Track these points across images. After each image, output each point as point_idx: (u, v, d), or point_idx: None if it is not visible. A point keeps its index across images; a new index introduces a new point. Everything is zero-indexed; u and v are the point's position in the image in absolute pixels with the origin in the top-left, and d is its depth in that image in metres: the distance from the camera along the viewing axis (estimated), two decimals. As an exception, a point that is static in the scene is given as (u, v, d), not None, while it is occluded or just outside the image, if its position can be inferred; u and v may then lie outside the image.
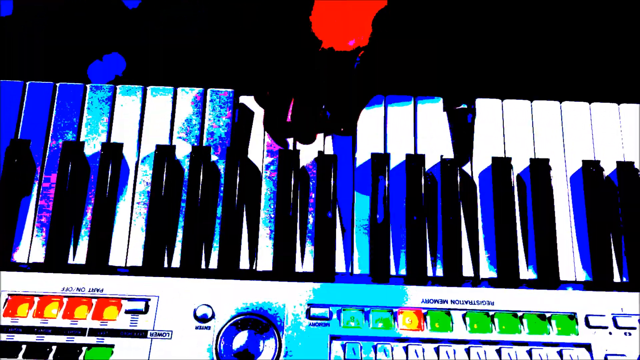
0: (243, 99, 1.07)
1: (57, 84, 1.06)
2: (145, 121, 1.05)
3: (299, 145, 1.05)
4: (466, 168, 1.04)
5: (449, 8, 1.19)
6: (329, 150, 1.05)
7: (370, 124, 1.06)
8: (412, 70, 1.13)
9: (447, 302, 0.94)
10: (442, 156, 1.03)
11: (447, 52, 1.16)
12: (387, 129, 1.06)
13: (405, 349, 0.90)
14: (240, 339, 0.90)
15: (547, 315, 0.93)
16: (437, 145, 1.05)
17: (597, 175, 1.02)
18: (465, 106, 1.07)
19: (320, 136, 1.05)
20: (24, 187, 1.00)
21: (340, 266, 0.98)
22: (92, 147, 1.03)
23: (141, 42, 1.20)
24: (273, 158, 1.03)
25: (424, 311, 0.93)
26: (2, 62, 1.15)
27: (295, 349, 0.90)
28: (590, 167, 1.03)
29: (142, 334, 0.91)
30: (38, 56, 1.20)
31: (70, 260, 0.97)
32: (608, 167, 1.04)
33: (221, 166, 1.02)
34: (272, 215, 1.00)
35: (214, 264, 0.97)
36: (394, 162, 1.03)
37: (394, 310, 0.93)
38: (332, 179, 1.02)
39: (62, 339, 0.90)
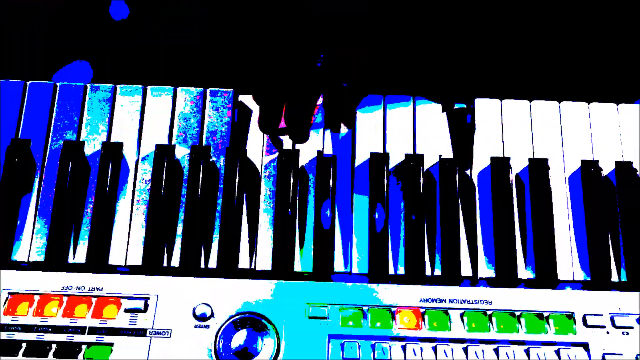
0: (242, 99, 1.07)
1: (58, 84, 1.07)
2: (145, 121, 1.06)
3: (298, 145, 1.05)
4: (465, 168, 1.04)
5: (449, 8, 1.19)
6: (329, 149, 1.05)
7: (370, 123, 1.07)
8: (411, 70, 1.14)
9: (445, 302, 0.94)
10: (441, 156, 1.04)
11: (446, 52, 1.17)
12: (386, 129, 1.06)
13: (404, 348, 0.91)
14: (239, 338, 0.91)
15: (545, 314, 0.94)
16: (436, 145, 1.06)
17: (596, 175, 1.03)
18: (464, 106, 1.08)
19: (319, 136, 1.06)
20: (24, 186, 1.01)
21: (339, 265, 0.98)
22: (92, 146, 1.04)
23: (141, 42, 1.21)
24: (272, 157, 1.04)
25: (422, 310, 0.94)
26: (3, 62, 1.16)
27: (293, 348, 0.91)
28: (589, 167, 1.03)
29: (141, 332, 0.91)
30: (38, 56, 1.20)
31: (70, 259, 0.98)
32: (607, 167, 1.04)
33: (221, 166, 1.03)
34: (272, 215, 1.01)
35: (213, 263, 0.98)
36: (393, 161, 1.04)
37: (392, 309, 0.94)
38: (331, 178, 1.02)
39: (62, 337, 0.91)
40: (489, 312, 0.94)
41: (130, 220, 1.00)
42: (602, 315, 0.94)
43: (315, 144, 1.05)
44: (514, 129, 1.06)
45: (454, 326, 0.93)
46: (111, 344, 0.91)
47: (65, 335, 0.91)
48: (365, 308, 0.94)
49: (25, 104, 1.05)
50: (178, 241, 0.99)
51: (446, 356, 0.91)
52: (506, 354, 0.91)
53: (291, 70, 1.09)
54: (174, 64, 1.18)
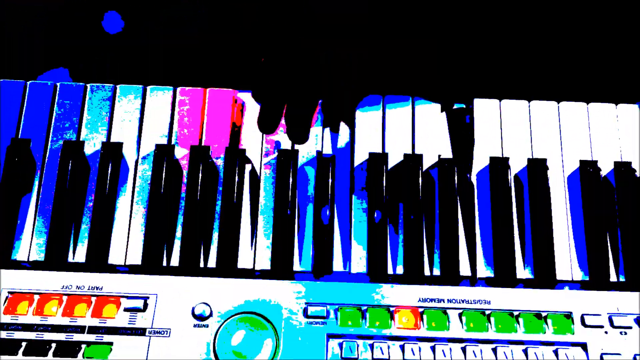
0: (242, 99, 1.08)
1: (58, 84, 1.07)
2: (145, 121, 1.06)
3: (297, 145, 1.06)
4: (464, 168, 1.04)
5: (448, 8, 1.19)
6: (328, 149, 1.06)
7: (369, 124, 1.07)
8: (411, 71, 1.14)
9: (443, 301, 0.95)
10: (440, 156, 1.04)
11: (445, 53, 1.17)
12: (386, 129, 1.07)
13: (402, 347, 0.92)
14: (238, 337, 0.91)
15: (543, 314, 0.94)
16: (435, 145, 1.06)
17: (595, 175, 1.03)
18: (464, 106, 1.08)
19: (319, 136, 1.06)
20: (24, 185, 1.01)
21: (338, 265, 0.99)
22: (92, 146, 1.04)
23: (141, 42, 1.21)
24: (272, 157, 1.05)
25: (420, 310, 0.94)
26: (3, 62, 1.16)
27: (292, 347, 0.91)
28: (588, 167, 1.03)
29: (140, 331, 0.92)
30: (38, 56, 1.20)
31: (70, 259, 0.98)
32: (605, 167, 1.04)
33: (220, 165, 1.04)
34: (271, 215, 1.01)
35: (212, 262, 0.98)
36: (392, 161, 1.04)
37: (391, 309, 0.94)
38: (330, 178, 1.03)
39: (61, 336, 0.92)
40: (487, 312, 0.94)
41: (130, 219, 1.01)
42: (600, 315, 0.94)
43: (315, 144, 1.06)
44: (512, 129, 1.07)
45: (453, 326, 0.93)
46: (111, 343, 0.91)
47: (65, 334, 0.92)
48: (364, 308, 0.94)
49: (25, 103, 1.06)
50: (177, 241, 0.99)
51: (444, 356, 0.91)
52: (504, 353, 0.91)
53: (291, 70, 1.09)
54: (174, 64, 1.19)
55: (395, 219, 1.01)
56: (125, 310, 0.93)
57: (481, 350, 0.92)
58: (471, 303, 0.95)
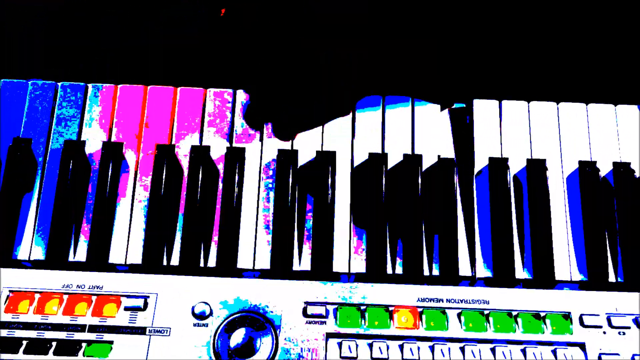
0: (242, 99, 1.08)
1: (59, 84, 1.08)
2: (146, 120, 1.07)
3: (297, 145, 1.06)
4: (463, 168, 1.05)
5: (447, 8, 1.20)
6: (328, 149, 1.06)
7: (368, 124, 1.08)
8: (410, 71, 1.15)
9: (442, 301, 0.96)
10: (439, 156, 1.05)
11: (445, 53, 1.17)
12: (385, 129, 1.08)
13: (401, 347, 0.93)
14: (237, 337, 0.92)
15: (542, 314, 0.95)
16: (434, 146, 1.07)
17: (593, 175, 1.04)
18: (463, 106, 1.09)
19: (319, 136, 1.07)
20: (25, 185, 1.02)
21: (337, 265, 1.00)
22: (93, 145, 1.05)
23: (141, 42, 1.22)
24: (272, 157, 1.06)
25: (419, 310, 0.95)
26: (3, 62, 1.17)
27: (291, 347, 0.92)
28: (587, 168, 1.04)
29: (140, 330, 0.93)
30: (38, 56, 1.21)
31: (70, 258, 0.99)
32: (604, 168, 1.05)
33: (220, 165, 1.05)
34: (271, 214, 1.02)
35: (212, 262, 0.99)
36: (392, 162, 1.05)
37: (390, 308, 0.95)
38: (330, 178, 1.03)
39: (62, 335, 0.93)
40: (486, 312, 0.95)
41: (131, 219, 1.02)
42: (598, 315, 0.95)
43: (315, 144, 1.07)
44: (512, 130, 1.07)
45: (451, 326, 0.94)
46: (111, 342, 0.92)
47: (66, 333, 0.93)
48: (363, 307, 0.95)
49: (27, 103, 1.07)
50: (178, 240, 1.00)
51: (443, 355, 0.92)
52: (503, 353, 0.92)
53: (291, 70, 1.10)
54: (174, 64, 1.19)
55: (395, 219, 1.02)
56: (126, 309, 0.94)
57: (480, 350, 0.93)
58: (470, 303, 0.96)
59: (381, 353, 0.92)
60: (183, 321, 0.94)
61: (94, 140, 1.06)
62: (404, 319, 0.95)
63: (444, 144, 1.07)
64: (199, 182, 1.02)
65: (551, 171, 1.05)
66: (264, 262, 1.00)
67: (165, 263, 0.99)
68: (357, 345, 0.93)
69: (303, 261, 1.00)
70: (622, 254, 1.01)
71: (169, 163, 1.03)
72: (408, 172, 1.04)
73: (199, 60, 1.21)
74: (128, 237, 1.01)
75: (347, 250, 1.01)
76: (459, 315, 0.95)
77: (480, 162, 1.06)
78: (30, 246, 1.00)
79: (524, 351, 0.93)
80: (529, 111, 1.09)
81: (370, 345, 0.93)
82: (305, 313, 0.95)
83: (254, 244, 1.01)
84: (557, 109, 1.09)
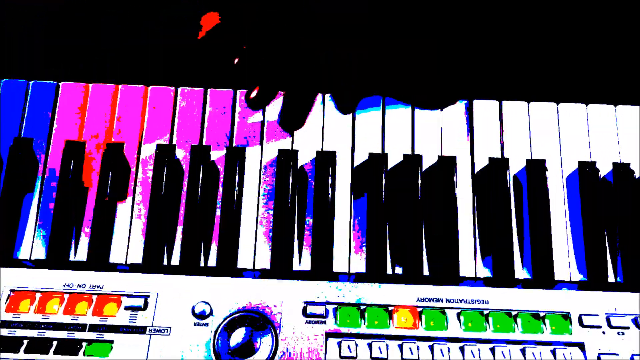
0: (242, 99, 1.09)
1: (60, 83, 1.09)
2: (146, 120, 1.08)
3: (297, 145, 1.07)
4: (463, 168, 1.06)
5: (447, 9, 1.20)
6: (328, 149, 1.07)
7: (368, 124, 1.09)
8: (410, 71, 1.16)
9: (442, 301, 0.97)
10: (439, 156, 1.06)
11: (445, 53, 1.17)
12: (385, 130, 1.09)
13: (400, 346, 0.93)
14: (237, 336, 0.93)
15: (541, 314, 0.96)
16: (434, 146, 1.08)
17: (593, 176, 1.05)
18: (463, 107, 1.10)
19: (318, 136, 1.08)
20: (26, 185, 1.03)
21: (337, 265, 1.01)
22: (94, 145, 1.06)
23: (141, 42, 1.22)
24: (272, 157, 1.07)
25: (419, 309, 0.96)
26: (3, 62, 1.18)
27: (291, 346, 0.93)
28: (587, 168, 1.05)
29: (141, 330, 0.94)
30: (38, 56, 1.22)
31: (71, 257, 1.00)
32: (604, 169, 1.06)
33: (220, 165, 1.06)
34: (271, 214, 1.03)
35: (212, 262, 1.00)
36: (392, 162, 1.06)
37: (390, 308, 0.96)
38: (330, 178, 1.04)
39: (62, 334, 0.93)
40: (485, 312, 0.96)
41: (131, 218, 1.03)
42: (598, 315, 0.96)
43: (315, 144, 1.08)
44: (512, 130, 1.08)
45: (451, 325, 0.95)
46: (111, 342, 0.93)
47: (66, 332, 0.94)
48: (362, 307, 0.96)
49: (28, 103, 1.08)
50: (178, 240, 1.01)
51: (442, 355, 0.93)
52: (502, 353, 0.93)
53: (291, 70, 1.11)
54: (174, 64, 1.20)
55: (395, 219, 1.03)
56: (126, 308, 0.95)
57: (479, 350, 0.93)
58: (469, 303, 0.97)
59: (381, 353, 0.93)
60: (183, 321, 0.95)
61: (95, 140, 1.07)
62: (403, 318, 0.96)
63: (444, 144, 1.08)
64: (199, 182, 1.03)
65: (551, 171, 1.06)
66: (264, 262, 1.00)
67: (165, 263, 1.00)
68: (356, 345, 0.93)
69: (303, 261, 1.01)
70: (621, 254, 1.02)
71: (169, 163, 1.04)
72: (408, 172, 1.05)
73: (199, 60, 1.21)
74: (129, 236, 1.02)
75: (347, 250, 1.02)
76: (458, 315, 0.96)
77: (481, 162, 1.07)
78: (31, 246, 1.01)
79: (523, 351, 0.94)
80: (529, 112, 1.09)
81: (370, 345, 0.93)
82: (305, 313, 0.95)
83: (254, 244, 1.01)
84: (557, 109, 1.10)
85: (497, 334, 0.95)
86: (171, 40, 1.22)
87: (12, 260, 1.00)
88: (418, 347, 0.94)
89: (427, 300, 0.97)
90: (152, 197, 1.03)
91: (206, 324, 0.95)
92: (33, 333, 0.94)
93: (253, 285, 0.97)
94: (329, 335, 0.94)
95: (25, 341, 0.93)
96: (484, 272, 1.01)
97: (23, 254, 1.01)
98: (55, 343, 0.93)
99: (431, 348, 0.94)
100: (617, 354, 0.94)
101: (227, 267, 1.00)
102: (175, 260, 1.00)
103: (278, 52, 1.12)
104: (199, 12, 1.24)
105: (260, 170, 1.06)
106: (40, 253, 1.01)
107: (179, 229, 1.02)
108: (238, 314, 0.95)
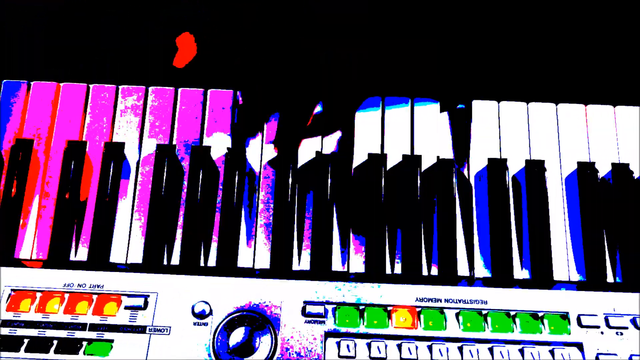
0: (242, 99, 1.10)
1: (61, 84, 1.10)
2: (147, 121, 1.09)
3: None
4: (462, 169, 1.07)
5: (447, 9, 1.20)
6: (327, 150, 1.08)
7: (368, 124, 1.10)
8: (410, 72, 1.16)
9: (441, 301, 0.97)
10: (438, 157, 1.07)
11: (444, 54, 1.18)
12: (385, 130, 1.09)
13: (399, 346, 0.94)
14: (237, 336, 0.94)
15: (540, 314, 0.97)
16: (433, 146, 1.08)
17: (592, 176, 1.05)
18: (463, 107, 1.10)
19: (318, 137, 1.09)
20: (27, 185, 1.04)
21: (336, 265, 1.01)
22: (94, 146, 1.07)
23: (141, 42, 1.23)
24: (271, 157, 1.07)
25: (418, 309, 0.97)
26: (4, 62, 1.19)
27: (290, 346, 0.94)
28: (585, 169, 1.05)
29: (141, 329, 0.95)
30: (38, 56, 1.22)
31: (72, 257, 1.01)
32: (603, 169, 1.06)
33: (220, 165, 1.06)
34: (270, 214, 1.04)
35: (212, 261, 1.01)
36: (391, 162, 1.07)
37: (389, 308, 0.97)
38: (329, 178, 1.05)
39: (63, 333, 0.95)
40: (484, 312, 0.97)
41: (131, 218, 1.04)
42: (596, 315, 0.97)
43: (314, 144, 1.08)
44: (511, 131, 1.09)
45: (450, 325, 0.96)
46: (111, 341, 0.94)
47: (67, 331, 0.95)
48: (361, 307, 0.97)
49: (29, 103, 1.09)
50: (178, 240, 1.02)
51: (441, 355, 0.94)
52: (500, 353, 0.94)
53: (291, 70, 1.12)
54: (173, 64, 1.21)
55: (394, 219, 1.04)
56: (126, 308, 0.96)
57: (478, 350, 0.94)
58: (468, 303, 0.97)
59: (379, 352, 0.94)
60: (183, 320, 0.96)
61: (95, 140, 1.08)
62: (402, 318, 0.96)
63: (443, 144, 1.09)
64: (199, 182, 1.04)
65: (550, 172, 1.07)
66: (264, 262, 1.01)
67: (165, 262, 1.01)
68: (355, 345, 0.94)
69: (302, 261, 1.02)
70: (620, 254, 1.02)
71: (169, 163, 1.05)
72: (407, 172, 1.05)
73: (199, 60, 1.22)
74: (129, 236, 1.03)
75: (345, 250, 1.03)
76: (457, 315, 0.97)
77: (480, 163, 1.08)
78: (32, 245, 1.02)
79: (521, 351, 0.95)
80: (527, 112, 1.10)
81: (369, 345, 0.94)
82: (304, 312, 0.96)
83: (254, 244, 1.03)
84: (556, 110, 1.10)
85: (495, 334, 0.96)
86: (171, 40, 1.23)
87: (13, 259, 1.01)
88: (417, 347, 0.95)
89: (426, 300, 0.98)
90: (152, 197, 1.04)
91: (206, 324, 0.96)
92: (33, 332, 0.95)
93: (252, 285, 0.98)
94: (328, 334, 0.95)
95: (26, 340, 0.94)
96: (483, 272, 1.02)
97: (24, 253, 1.02)
98: (55, 342, 0.94)
99: (430, 348, 0.95)
100: (615, 354, 0.95)
101: (227, 266, 1.01)
102: (176, 260, 1.01)
103: (278, 52, 1.13)
104: (199, 12, 1.25)
105: (260, 170, 1.07)
106: (41, 253, 1.02)
107: (179, 229, 1.03)
108: (237, 314, 0.96)
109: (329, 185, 1.05)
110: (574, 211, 1.05)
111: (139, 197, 1.05)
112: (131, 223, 1.04)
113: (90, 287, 0.98)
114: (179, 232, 1.03)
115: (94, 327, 0.95)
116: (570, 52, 1.21)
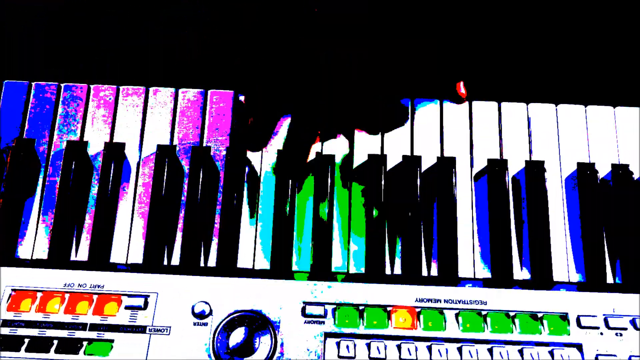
0: (243, 99, 1.11)
1: (62, 84, 1.11)
2: (147, 121, 1.10)
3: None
4: (462, 170, 1.08)
5: (447, 9, 1.21)
6: (327, 150, 1.09)
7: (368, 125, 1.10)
8: (410, 73, 1.17)
9: (440, 302, 0.98)
10: (438, 157, 1.07)
11: (444, 54, 1.19)
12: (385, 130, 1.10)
13: (399, 347, 0.95)
14: (236, 336, 0.95)
15: (539, 315, 0.97)
16: (433, 147, 1.09)
17: (592, 177, 1.06)
18: (463, 108, 1.11)
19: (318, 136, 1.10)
20: (28, 185, 1.05)
21: (336, 265, 1.02)
22: (95, 146, 1.08)
23: (141, 42, 1.23)
24: (271, 158, 1.08)
25: (417, 310, 0.98)
26: (4, 63, 1.19)
27: (290, 346, 0.95)
28: (585, 170, 1.06)
29: (141, 329, 0.96)
30: (38, 56, 1.23)
31: (72, 257, 1.02)
32: (603, 170, 1.07)
33: (220, 166, 1.07)
34: (271, 215, 1.05)
35: (212, 262, 1.02)
36: (391, 163, 1.08)
37: (388, 308, 0.98)
38: (329, 178, 1.06)
39: (63, 333, 0.95)
40: (483, 313, 0.98)
41: (132, 219, 1.04)
42: (596, 316, 0.98)
43: (314, 145, 1.09)
44: (511, 131, 1.10)
45: (449, 326, 0.97)
46: (111, 341, 0.95)
47: (67, 331, 0.96)
48: (361, 307, 0.98)
49: (30, 104, 1.10)
50: (178, 240, 1.03)
51: (440, 355, 0.94)
52: (500, 353, 0.95)
53: (291, 70, 1.13)
54: (174, 64, 1.21)
55: (394, 220, 1.04)
56: (126, 308, 0.97)
57: (477, 351, 0.95)
58: (468, 303, 0.98)
59: (379, 353, 0.94)
60: (183, 320, 0.97)
61: (96, 140, 1.09)
62: (402, 319, 0.97)
63: (444, 145, 1.09)
64: (199, 182, 1.05)
65: (550, 173, 1.08)
66: (264, 262, 1.02)
67: (165, 263, 1.02)
68: (355, 345, 0.95)
69: (302, 262, 1.03)
70: (620, 255, 1.03)
71: (169, 163, 1.06)
72: (407, 173, 1.06)
73: (199, 60, 1.23)
74: (129, 236, 1.04)
75: (345, 250, 1.03)
76: (456, 315, 0.98)
77: (480, 164, 1.08)
78: (32, 245, 1.03)
79: (521, 352, 0.95)
80: (528, 113, 1.11)
81: (368, 345, 0.95)
82: (304, 313, 0.97)
83: (254, 244, 1.03)
84: (556, 110, 1.11)
85: (495, 334, 0.97)
86: (171, 40, 1.24)
87: (13, 259, 1.02)
88: (416, 347, 0.95)
89: (425, 300, 0.99)
90: (153, 197, 1.05)
91: (206, 324, 0.96)
92: (34, 332, 0.96)
93: (253, 285, 0.99)
94: (328, 335, 0.96)
95: (26, 340, 0.95)
96: (483, 273, 1.03)
97: (24, 253, 1.03)
98: (56, 342, 0.95)
99: (429, 348, 0.95)
100: (614, 355, 0.95)
101: (227, 267, 1.02)
102: (176, 260, 1.02)
103: (278, 52, 1.14)
104: (199, 12, 1.26)
105: (260, 170, 1.08)
106: (41, 253, 1.03)
107: (179, 229, 1.04)
108: (237, 314, 0.97)
109: (329, 185, 1.06)
110: (573, 212, 1.06)
111: (139, 197, 1.06)
112: (131, 223, 1.05)
113: (90, 287, 0.99)
114: (179, 233, 1.04)
115: (94, 327, 0.96)
116: (570, 53, 1.22)
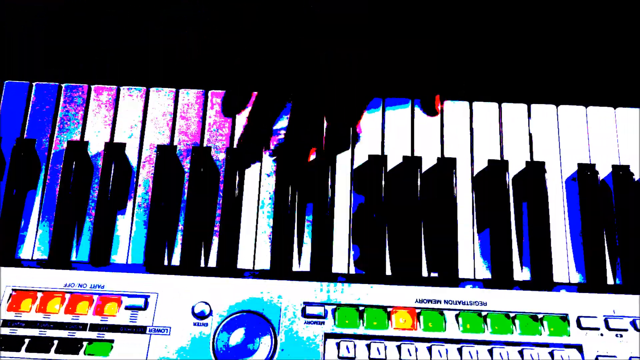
0: (242, 100, 1.11)
1: (63, 85, 1.12)
2: (147, 121, 1.11)
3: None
4: (463, 170, 1.09)
5: (448, 10, 1.21)
6: (327, 150, 1.09)
7: (368, 125, 1.11)
8: (410, 73, 1.17)
9: (440, 302, 0.99)
10: (438, 158, 1.08)
11: (445, 55, 1.18)
12: (385, 131, 1.11)
13: (399, 347, 0.96)
14: (236, 336, 0.95)
15: (539, 316, 0.98)
16: (434, 148, 1.10)
17: (592, 178, 1.06)
18: (463, 108, 1.12)
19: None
20: (29, 185, 1.06)
21: (336, 266, 1.03)
22: (95, 146, 1.09)
23: (141, 42, 1.24)
24: (272, 158, 1.09)
25: (417, 311, 0.98)
26: (5, 63, 1.20)
27: (290, 347, 0.95)
28: (586, 171, 1.07)
29: (141, 329, 0.96)
30: (38, 56, 1.23)
31: (73, 258, 1.03)
32: (603, 171, 1.08)
33: (221, 166, 1.08)
34: (271, 215, 1.05)
35: (212, 262, 1.03)
36: (391, 163, 1.08)
37: (388, 309, 0.98)
38: (330, 179, 1.06)
39: (63, 333, 0.96)
40: (483, 313, 0.98)
41: (132, 219, 1.05)
42: (596, 317, 0.98)
43: (314, 145, 1.09)
44: (511, 132, 1.10)
45: (449, 327, 0.97)
46: (112, 341, 0.96)
47: (67, 331, 0.96)
48: (361, 308, 0.98)
49: (30, 104, 1.11)
50: (179, 240, 1.04)
51: (440, 356, 0.95)
52: (500, 354, 0.95)
53: (291, 70, 1.13)
54: (174, 64, 1.21)
55: (394, 220, 1.05)
56: (127, 308, 0.98)
57: (477, 351, 0.95)
58: (468, 304, 0.99)
59: (379, 353, 0.95)
60: (183, 320, 0.97)
61: (96, 140, 1.10)
62: (402, 319, 0.98)
63: (444, 146, 1.10)
64: (200, 183, 1.06)
65: (550, 173, 1.08)
66: (264, 263, 1.03)
67: (166, 263, 1.03)
68: (355, 346, 0.96)
69: (302, 262, 1.03)
70: (620, 256, 1.03)
71: (169, 163, 1.07)
72: (407, 173, 1.07)
73: (199, 60, 1.23)
74: (130, 237, 1.05)
75: (347, 251, 1.04)
76: (456, 316, 0.98)
77: (480, 164, 1.09)
78: (33, 245, 1.04)
79: (521, 352, 0.96)
80: (528, 113, 1.11)
81: (368, 346, 0.96)
82: (304, 313, 0.98)
83: (254, 245, 1.04)
84: (557, 111, 1.11)
85: (495, 335, 0.97)
86: (171, 40, 1.24)
87: (14, 259, 1.03)
88: (416, 348, 0.96)
89: (425, 301, 0.99)
90: (153, 198, 1.05)
91: (206, 324, 0.97)
92: (34, 332, 0.96)
93: (253, 285, 1.00)
94: (328, 335, 0.97)
95: (27, 340, 0.96)
96: (483, 274, 1.03)
97: (25, 253, 1.03)
98: (56, 342, 0.96)
99: (429, 349, 0.96)
100: (615, 356, 0.96)
101: (228, 267, 1.03)
102: (176, 260, 1.03)
103: (278, 52, 1.14)
104: (199, 12, 1.26)
105: (260, 170, 1.08)
106: (42, 253, 1.03)
107: (180, 230, 1.04)
108: (237, 314, 0.97)
109: (329, 185, 1.06)
110: (574, 212, 1.06)
111: (140, 197, 1.06)
112: (132, 223, 1.05)
113: (90, 288, 1.00)
114: (179, 233, 1.04)
115: (94, 327, 0.97)
116: (571, 53, 1.22)
